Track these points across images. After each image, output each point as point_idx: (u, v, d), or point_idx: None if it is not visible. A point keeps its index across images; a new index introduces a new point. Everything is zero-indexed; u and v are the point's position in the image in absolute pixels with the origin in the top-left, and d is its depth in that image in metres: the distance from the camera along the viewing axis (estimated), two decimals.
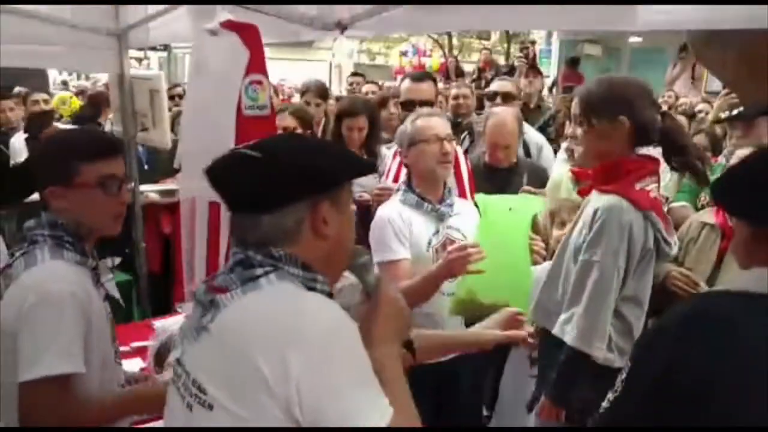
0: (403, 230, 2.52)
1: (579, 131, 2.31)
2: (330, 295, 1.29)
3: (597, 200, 2.20)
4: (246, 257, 1.26)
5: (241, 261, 1.26)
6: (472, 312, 2.51)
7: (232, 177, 1.28)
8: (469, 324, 2.59)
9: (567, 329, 2.21)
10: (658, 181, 2.28)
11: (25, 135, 4.64)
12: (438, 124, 2.61)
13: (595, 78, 2.38)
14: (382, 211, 2.61)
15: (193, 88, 2.67)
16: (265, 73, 2.41)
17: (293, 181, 1.24)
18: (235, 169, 1.28)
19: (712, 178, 3.36)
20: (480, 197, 2.62)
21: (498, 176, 3.27)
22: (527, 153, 3.92)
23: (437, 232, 2.57)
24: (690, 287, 2.75)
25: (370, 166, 1.41)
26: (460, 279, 2.45)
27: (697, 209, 3.33)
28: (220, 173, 1.31)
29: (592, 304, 2.17)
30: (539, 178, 3.37)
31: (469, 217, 2.68)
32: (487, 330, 1.92)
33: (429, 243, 2.55)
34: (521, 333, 1.91)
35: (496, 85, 4.48)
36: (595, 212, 2.15)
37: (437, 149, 2.54)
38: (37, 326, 1.60)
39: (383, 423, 1.13)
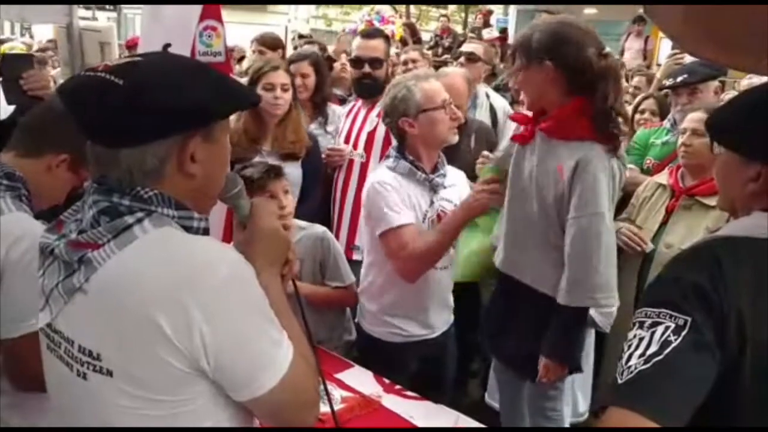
0: (401, 194, 2.38)
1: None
2: (206, 231, 1.19)
3: (571, 150, 2.07)
4: (111, 205, 1.11)
5: (105, 210, 1.11)
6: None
7: (89, 104, 1.09)
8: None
9: (587, 294, 2.08)
10: None
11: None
12: (441, 87, 2.47)
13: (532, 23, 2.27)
14: (375, 178, 2.44)
15: (147, 34, 2.62)
16: (219, 20, 2.37)
17: (158, 116, 1.08)
18: (93, 96, 1.08)
19: (657, 141, 3.49)
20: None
21: None
22: (494, 117, 3.93)
23: (432, 203, 2.45)
24: (635, 244, 2.86)
25: (250, 99, 1.28)
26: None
27: (643, 171, 3.42)
28: (75, 97, 1.13)
29: (602, 260, 2.06)
30: (486, 139, 3.42)
31: (461, 189, 2.58)
32: None
33: (425, 215, 2.44)
34: None
35: (463, 47, 4.62)
36: (576, 165, 2.03)
37: (448, 115, 2.43)
38: (30, 277, 1.56)
39: (287, 362, 1.14)
